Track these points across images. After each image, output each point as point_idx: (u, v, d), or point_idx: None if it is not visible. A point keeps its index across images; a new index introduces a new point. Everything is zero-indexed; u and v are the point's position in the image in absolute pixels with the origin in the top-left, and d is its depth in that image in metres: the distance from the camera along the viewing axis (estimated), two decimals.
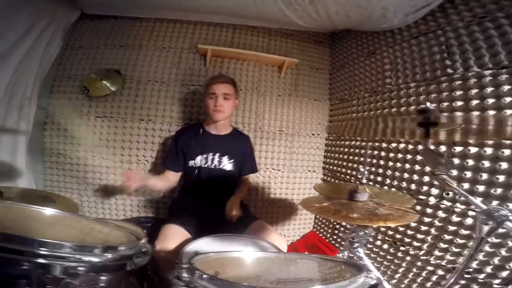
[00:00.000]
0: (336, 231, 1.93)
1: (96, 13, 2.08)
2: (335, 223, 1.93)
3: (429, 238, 1.32)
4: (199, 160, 1.59)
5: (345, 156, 1.91)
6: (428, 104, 0.80)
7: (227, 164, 1.62)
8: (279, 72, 2.12)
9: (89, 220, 0.86)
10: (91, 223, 0.82)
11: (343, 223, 1.86)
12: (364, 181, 1.29)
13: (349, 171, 1.86)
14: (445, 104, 1.30)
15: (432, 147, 0.82)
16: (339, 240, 1.90)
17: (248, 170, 1.72)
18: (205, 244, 1.16)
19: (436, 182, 1.30)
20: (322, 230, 2.09)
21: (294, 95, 2.13)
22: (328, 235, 2.00)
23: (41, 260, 0.51)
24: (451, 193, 1.26)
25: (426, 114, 0.80)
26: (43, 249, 0.52)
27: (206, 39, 2.12)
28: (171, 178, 1.63)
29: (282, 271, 0.68)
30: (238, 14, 1.93)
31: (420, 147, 1.40)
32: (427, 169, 1.36)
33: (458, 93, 1.25)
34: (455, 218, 1.23)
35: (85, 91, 1.89)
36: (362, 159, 1.75)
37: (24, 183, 1.73)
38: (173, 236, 1.34)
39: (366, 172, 1.28)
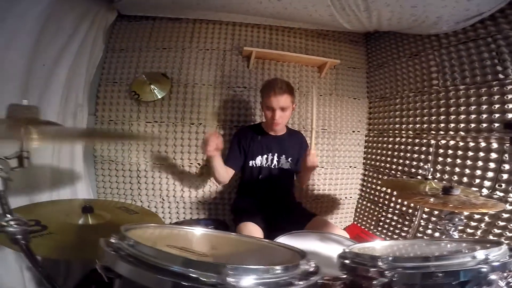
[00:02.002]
0: (380, 223, 2.15)
1: (133, 13, 2.13)
2: (379, 216, 2.16)
3: (482, 225, 1.56)
4: (259, 160, 1.74)
5: (389, 152, 2.12)
6: None
7: (285, 163, 1.78)
8: (319, 72, 2.28)
9: (243, 237, 0.96)
10: (250, 240, 0.93)
11: (389, 215, 2.09)
12: (430, 177, 1.50)
13: (394, 166, 2.08)
14: (497, 106, 1.52)
15: None
16: (384, 231, 2.13)
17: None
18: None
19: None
20: (364, 223, 2.31)
21: (335, 94, 2.30)
22: (372, 227, 2.22)
23: None
24: (503, 185, 1.49)
25: None
26: (253, 275, 0.52)
27: (246, 40, 2.23)
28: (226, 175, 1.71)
29: (428, 249, 0.86)
30: (284, 17, 2.04)
31: (471, 144, 1.62)
32: (479, 163, 1.59)
33: (510, 96, 1.47)
34: (508, 207, 1.46)
35: (135, 95, 1.96)
36: (409, 155, 1.96)
37: (84, 192, 1.81)
38: (254, 233, 1.49)
39: (431, 169, 1.49)
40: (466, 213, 1.60)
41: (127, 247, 0.58)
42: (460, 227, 1.13)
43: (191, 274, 0.50)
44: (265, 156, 1.75)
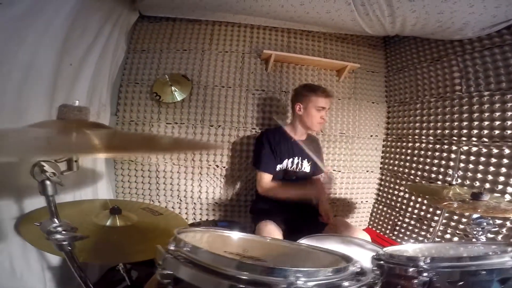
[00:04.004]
0: (397, 227, 2.17)
1: (154, 14, 2.17)
2: (396, 220, 2.17)
3: (504, 230, 1.58)
4: (285, 164, 1.77)
5: (408, 157, 2.13)
6: None
7: (307, 167, 1.81)
8: (338, 76, 2.30)
9: (274, 240, 0.99)
10: (281, 243, 0.97)
11: (406, 220, 2.10)
12: (454, 182, 1.52)
13: (412, 171, 2.09)
14: None
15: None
16: (400, 235, 2.14)
17: (320, 171, 1.92)
18: None
19: None
20: (379, 227, 2.33)
21: (353, 98, 2.32)
22: (388, 231, 2.24)
23: None
24: None
25: None
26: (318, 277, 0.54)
27: (264, 43, 2.25)
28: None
29: (461, 250, 0.89)
30: (304, 21, 2.06)
31: (495, 150, 1.64)
32: (503, 170, 1.60)
33: None
34: None
35: (156, 97, 1.99)
36: (429, 160, 1.98)
37: (104, 192, 1.85)
38: (274, 232, 1.51)
39: (456, 175, 1.51)
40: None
41: (187, 253, 0.60)
42: (490, 231, 1.16)
43: (261, 280, 0.52)
44: (291, 159, 1.78)
